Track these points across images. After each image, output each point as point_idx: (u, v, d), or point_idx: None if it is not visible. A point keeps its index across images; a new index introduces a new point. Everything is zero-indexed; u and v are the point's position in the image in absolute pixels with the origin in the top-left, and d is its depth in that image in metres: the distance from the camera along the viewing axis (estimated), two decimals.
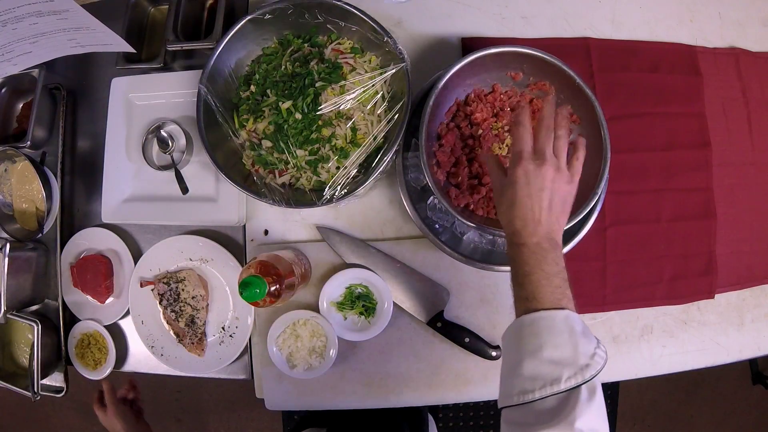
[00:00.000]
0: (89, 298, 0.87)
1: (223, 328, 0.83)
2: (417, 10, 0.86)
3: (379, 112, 0.73)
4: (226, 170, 0.72)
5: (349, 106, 0.72)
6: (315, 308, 0.78)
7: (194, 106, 0.74)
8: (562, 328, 0.47)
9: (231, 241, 0.85)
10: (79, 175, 0.92)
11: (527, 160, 0.54)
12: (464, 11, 0.86)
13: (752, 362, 1.72)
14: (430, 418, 0.99)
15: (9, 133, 0.93)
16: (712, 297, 0.83)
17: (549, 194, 0.53)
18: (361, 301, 0.78)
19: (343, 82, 0.72)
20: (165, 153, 0.85)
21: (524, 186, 0.54)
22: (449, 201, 0.69)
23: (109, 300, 0.87)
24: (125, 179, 0.86)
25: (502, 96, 0.75)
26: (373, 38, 0.74)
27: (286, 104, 0.71)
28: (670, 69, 0.86)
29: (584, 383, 0.45)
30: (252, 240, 0.84)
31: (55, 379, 0.89)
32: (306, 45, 0.77)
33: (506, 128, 0.74)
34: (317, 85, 0.71)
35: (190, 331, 0.82)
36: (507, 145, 0.74)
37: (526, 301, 0.50)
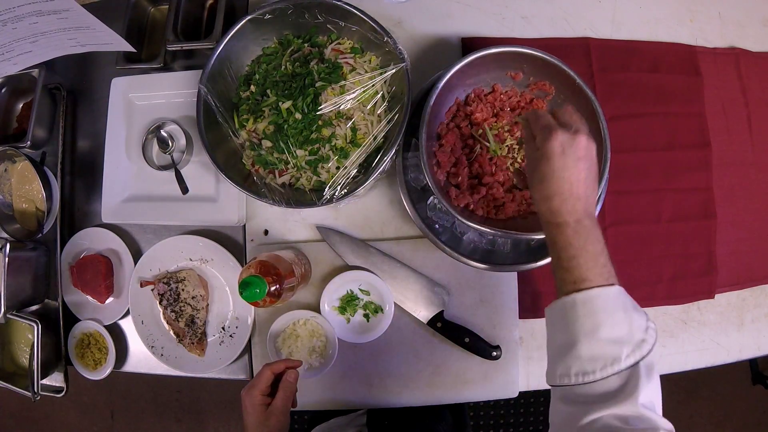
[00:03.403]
0: (89, 298, 0.87)
1: (223, 328, 0.83)
2: (417, 10, 0.86)
3: (379, 112, 0.74)
4: (226, 170, 0.72)
5: (349, 106, 0.71)
6: (315, 308, 0.78)
7: (194, 106, 0.74)
8: (617, 305, 0.46)
9: (231, 241, 0.85)
10: (79, 175, 0.92)
11: (559, 131, 0.50)
12: (464, 11, 0.86)
13: (752, 362, 1.72)
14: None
15: (9, 133, 0.93)
16: (712, 297, 0.83)
17: (586, 164, 0.50)
18: (361, 303, 0.78)
19: (343, 82, 0.72)
20: (165, 153, 0.85)
21: (560, 158, 0.49)
22: (449, 201, 0.69)
23: (109, 300, 0.87)
24: (125, 179, 0.86)
25: (502, 96, 0.75)
26: (373, 38, 0.74)
27: (286, 104, 0.71)
28: (670, 69, 0.86)
29: (642, 359, 0.44)
30: (252, 240, 0.84)
31: (55, 379, 0.89)
32: (306, 45, 0.77)
33: (506, 128, 0.74)
34: (317, 85, 0.71)
35: (190, 331, 0.82)
36: (507, 146, 0.74)
37: (573, 284, 0.47)
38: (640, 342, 0.45)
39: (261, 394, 0.59)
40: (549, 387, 0.51)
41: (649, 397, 0.44)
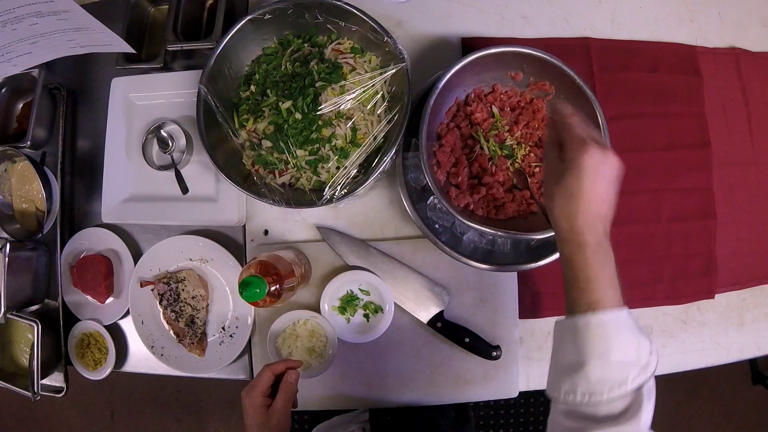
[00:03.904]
0: (89, 298, 0.87)
1: (223, 328, 0.83)
2: (417, 10, 0.86)
3: (379, 112, 0.73)
4: (226, 170, 0.72)
5: (349, 106, 0.71)
6: (315, 308, 0.78)
7: (194, 106, 0.74)
8: (627, 327, 0.46)
9: (231, 241, 0.85)
10: (79, 175, 0.92)
11: (594, 146, 0.47)
12: (464, 11, 0.86)
13: (752, 362, 1.72)
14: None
15: (9, 133, 0.93)
16: (712, 297, 0.83)
17: (615, 185, 0.48)
18: (361, 303, 0.78)
19: (343, 82, 0.71)
20: (165, 153, 0.85)
21: (593, 176, 0.47)
22: (449, 201, 0.69)
23: (109, 300, 0.87)
24: (125, 179, 0.86)
25: (502, 96, 0.75)
26: (373, 38, 0.74)
27: (286, 104, 0.71)
28: (670, 69, 0.86)
29: (646, 382, 0.45)
30: (252, 240, 0.84)
31: (55, 379, 0.89)
32: (306, 45, 0.77)
33: (506, 128, 0.74)
34: (317, 85, 0.71)
35: (190, 331, 0.82)
36: (509, 145, 0.74)
37: (588, 306, 0.46)
38: (646, 364, 0.45)
39: (261, 395, 0.59)
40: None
41: (649, 418, 0.44)
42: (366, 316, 0.79)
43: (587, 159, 0.47)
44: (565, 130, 0.50)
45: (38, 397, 0.82)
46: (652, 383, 0.46)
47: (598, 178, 0.47)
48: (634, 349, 0.45)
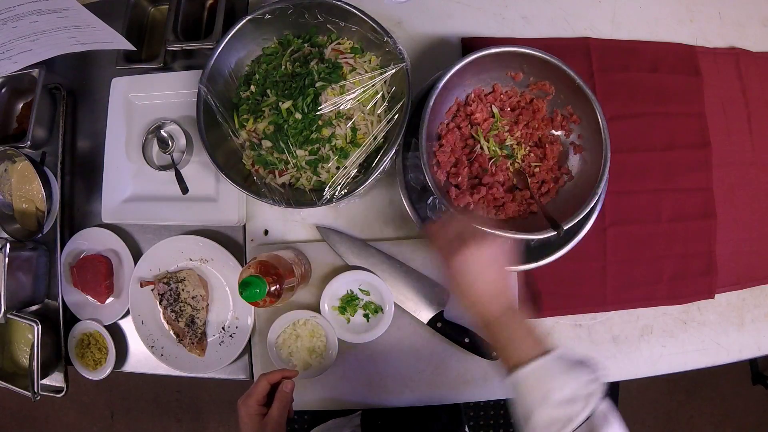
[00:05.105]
0: (89, 298, 0.87)
1: (223, 328, 0.83)
2: (417, 10, 0.86)
3: (379, 112, 0.73)
4: (226, 170, 0.72)
5: (349, 106, 0.71)
6: (315, 308, 0.78)
7: (194, 106, 0.74)
8: (559, 368, 0.50)
9: (231, 241, 0.85)
10: (79, 175, 0.92)
11: (459, 251, 0.55)
12: (464, 11, 0.86)
13: (752, 362, 1.72)
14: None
15: (9, 133, 0.93)
16: (712, 297, 0.83)
17: (493, 267, 0.56)
18: (361, 303, 0.78)
19: (343, 82, 0.72)
20: (165, 153, 0.85)
21: (468, 273, 0.55)
22: (449, 201, 0.69)
23: (109, 300, 0.87)
24: (125, 179, 0.86)
25: (502, 96, 0.75)
26: (373, 38, 0.74)
27: (286, 104, 0.71)
28: (670, 69, 0.86)
29: (595, 408, 0.47)
30: (252, 240, 0.84)
31: (55, 379, 0.89)
32: (306, 45, 0.77)
33: (506, 128, 0.74)
34: (317, 85, 0.71)
35: (190, 331, 0.82)
36: (509, 145, 0.74)
37: (517, 363, 0.51)
38: (589, 394, 0.48)
39: (257, 404, 0.60)
40: None
41: None
42: (366, 316, 0.79)
43: (457, 260, 0.55)
44: (433, 242, 0.59)
45: (38, 397, 0.82)
46: (604, 406, 0.48)
47: (469, 276, 0.55)
48: (572, 384, 0.48)
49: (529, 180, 0.72)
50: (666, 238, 0.83)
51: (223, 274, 0.83)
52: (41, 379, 0.82)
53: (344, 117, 0.72)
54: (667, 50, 0.86)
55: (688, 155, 0.84)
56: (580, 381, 0.48)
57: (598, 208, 0.72)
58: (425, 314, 0.77)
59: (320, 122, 0.71)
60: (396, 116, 0.72)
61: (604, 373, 0.50)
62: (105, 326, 0.85)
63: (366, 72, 0.74)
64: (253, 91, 0.76)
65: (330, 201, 0.70)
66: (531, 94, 0.75)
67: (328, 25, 0.76)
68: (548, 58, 0.68)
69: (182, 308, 0.82)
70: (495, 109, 0.74)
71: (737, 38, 0.90)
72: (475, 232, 0.57)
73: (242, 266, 0.75)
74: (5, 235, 0.88)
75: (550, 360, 0.50)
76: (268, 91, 0.74)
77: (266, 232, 0.83)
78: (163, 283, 0.82)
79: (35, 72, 0.86)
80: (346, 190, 0.71)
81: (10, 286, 0.82)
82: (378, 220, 0.82)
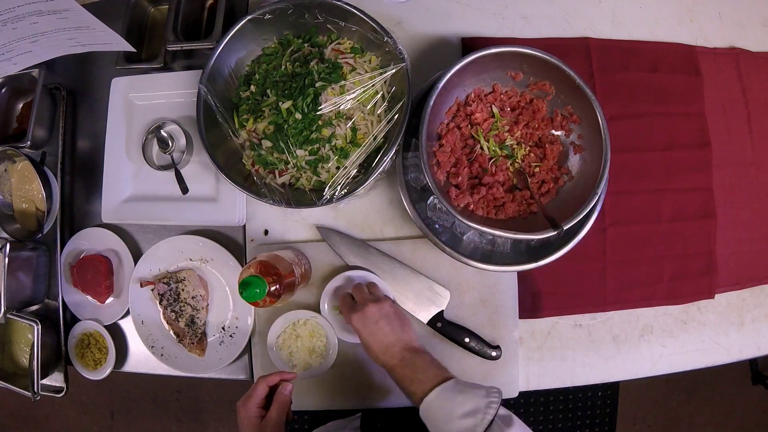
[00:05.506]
0: (89, 298, 0.87)
1: (223, 328, 0.83)
2: (417, 10, 0.86)
3: (379, 112, 0.73)
4: (226, 170, 0.72)
5: (349, 106, 0.71)
6: (315, 308, 0.78)
7: (194, 106, 0.74)
8: (457, 390, 0.58)
9: (231, 241, 0.85)
10: (79, 175, 0.92)
11: (355, 311, 0.67)
12: (464, 11, 0.86)
13: (752, 362, 1.72)
14: None
15: (9, 133, 0.93)
16: (712, 297, 0.83)
17: (384, 321, 0.65)
18: None
19: (343, 82, 0.72)
20: (165, 153, 0.85)
21: (364, 328, 0.66)
22: (449, 201, 0.69)
23: (109, 300, 0.87)
24: (125, 179, 0.86)
25: (502, 96, 0.75)
26: (373, 38, 0.74)
27: (286, 104, 0.71)
28: (670, 69, 0.86)
29: (495, 417, 0.54)
30: (252, 240, 0.84)
31: (55, 379, 0.89)
32: (306, 45, 0.77)
33: (506, 128, 0.74)
34: (317, 85, 0.71)
35: (190, 331, 0.82)
36: (509, 145, 0.74)
37: (422, 394, 0.58)
38: (487, 406, 0.55)
39: (256, 406, 0.62)
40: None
41: None
42: None
43: (354, 321, 0.67)
44: (343, 308, 0.71)
45: (38, 397, 0.82)
46: (504, 414, 0.56)
47: (369, 327, 0.66)
48: (470, 401, 0.56)
49: (529, 180, 0.72)
50: (666, 238, 0.83)
51: (223, 274, 0.83)
52: (41, 379, 0.82)
53: (344, 117, 0.72)
54: (667, 50, 0.86)
55: (688, 155, 0.84)
56: (477, 396, 0.56)
57: (598, 208, 0.72)
58: (425, 314, 0.77)
59: (320, 122, 0.71)
60: (396, 116, 0.72)
61: (498, 389, 0.59)
62: (105, 326, 0.85)
63: (366, 72, 0.74)
64: (253, 91, 0.76)
65: (330, 201, 0.70)
66: (531, 94, 0.75)
67: (328, 25, 0.76)
68: (548, 58, 0.68)
69: (182, 308, 0.82)
70: (495, 109, 0.74)
71: (737, 38, 0.90)
72: (366, 298, 0.68)
73: (242, 266, 0.75)
74: (5, 235, 0.88)
75: (449, 386, 0.58)
76: (268, 91, 0.74)
77: (266, 232, 0.83)
78: (163, 283, 0.82)
79: (35, 72, 0.86)
80: (346, 190, 0.71)
81: (10, 286, 0.82)
82: (378, 220, 0.82)
